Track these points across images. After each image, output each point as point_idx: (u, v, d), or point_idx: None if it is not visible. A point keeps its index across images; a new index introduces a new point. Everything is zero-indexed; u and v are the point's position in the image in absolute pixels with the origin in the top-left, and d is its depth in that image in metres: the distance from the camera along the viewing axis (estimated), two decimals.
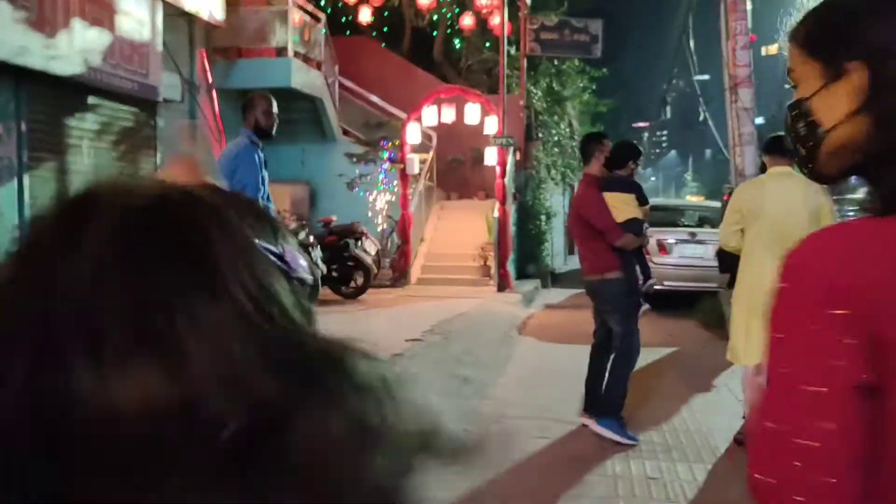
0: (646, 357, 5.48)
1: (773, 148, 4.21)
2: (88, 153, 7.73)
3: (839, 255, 0.80)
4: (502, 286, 11.64)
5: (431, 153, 13.99)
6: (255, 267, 0.43)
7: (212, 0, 9.91)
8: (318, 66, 12.62)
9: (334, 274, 10.10)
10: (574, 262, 18.53)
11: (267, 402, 0.39)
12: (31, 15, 6.71)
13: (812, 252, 0.82)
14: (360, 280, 10.30)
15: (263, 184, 4.47)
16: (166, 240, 0.41)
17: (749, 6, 8.70)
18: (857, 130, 0.85)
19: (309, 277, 0.49)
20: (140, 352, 0.38)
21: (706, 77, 30.93)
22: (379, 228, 12.77)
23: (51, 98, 7.45)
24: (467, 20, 16.24)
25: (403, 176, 12.42)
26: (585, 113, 18.44)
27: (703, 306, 9.19)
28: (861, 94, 0.85)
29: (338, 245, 10.12)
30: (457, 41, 17.34)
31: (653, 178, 73.90)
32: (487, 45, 16.50)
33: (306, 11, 12.22)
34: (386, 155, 13.14)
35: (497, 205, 12.07)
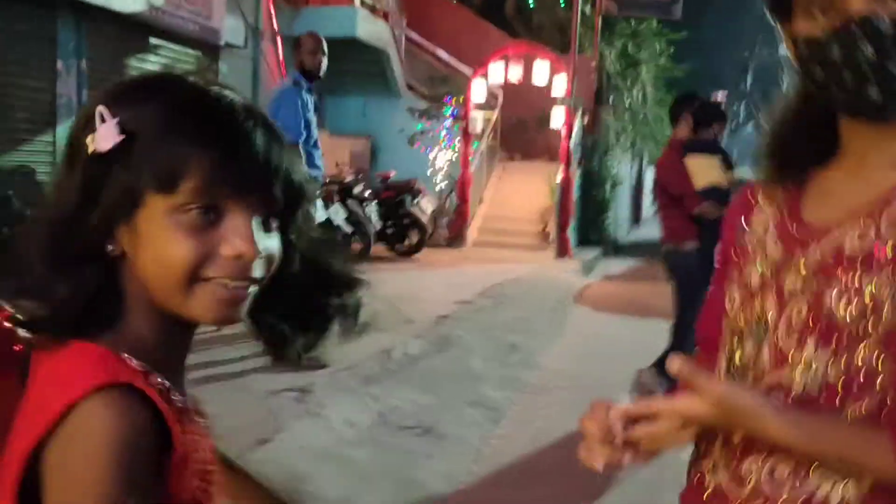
0: None
1: None
2: None
3: None
4: (561, 253, 11.30)
5: (496, 112, 13.57)
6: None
7: None
8: (386, 17, 12.32)
9: (389, 231, 9.95)
10: (639, 234, 18.05)
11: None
12: None
13: None
14: (414, 238, 10.11)
15: (309, 128, 4.24)
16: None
17: None
18: None
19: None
20: None
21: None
22: (437, 187, 12.50)
23: (112, 37, 7.39)
24: None
25: (465, 134, 12.10)
26: (660, 78, 17.62)
27: None
28: None
29: (394, 201, 9.93)
30: None
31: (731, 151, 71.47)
32: (562, 2, 15.88)
33: None
34: (449, 111, 12.82)
35: (561, 168, 11.67)
